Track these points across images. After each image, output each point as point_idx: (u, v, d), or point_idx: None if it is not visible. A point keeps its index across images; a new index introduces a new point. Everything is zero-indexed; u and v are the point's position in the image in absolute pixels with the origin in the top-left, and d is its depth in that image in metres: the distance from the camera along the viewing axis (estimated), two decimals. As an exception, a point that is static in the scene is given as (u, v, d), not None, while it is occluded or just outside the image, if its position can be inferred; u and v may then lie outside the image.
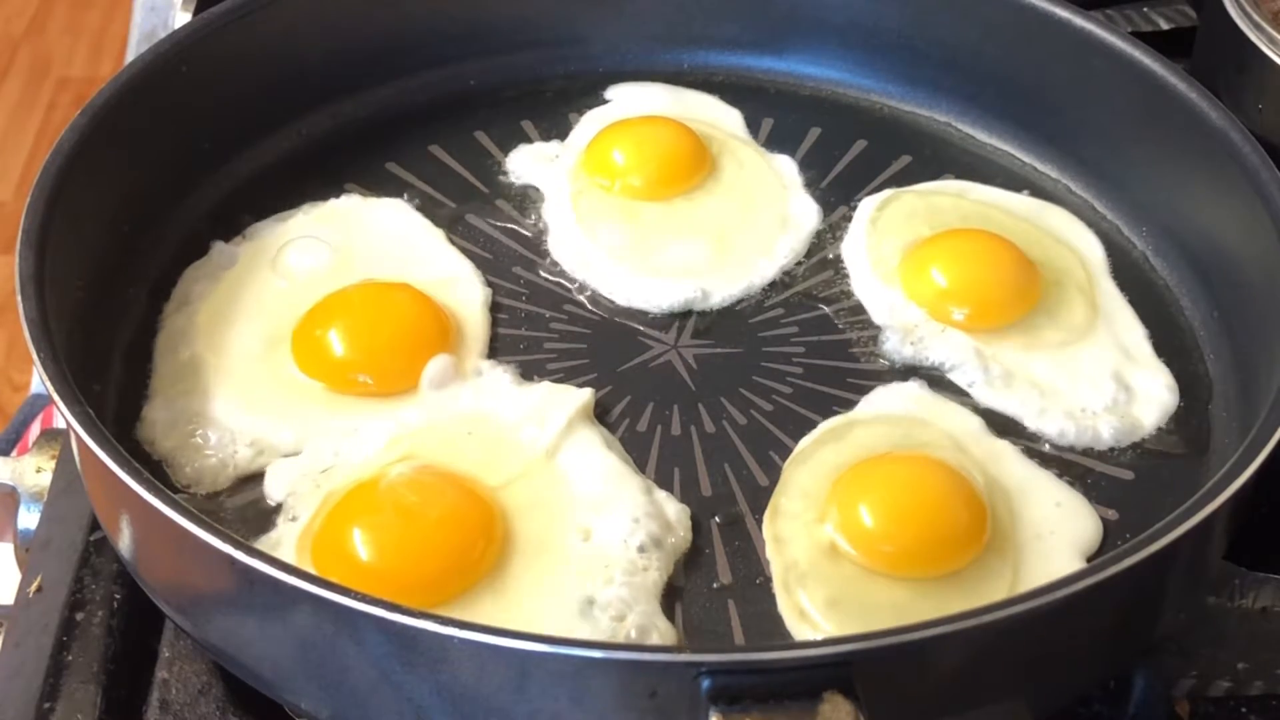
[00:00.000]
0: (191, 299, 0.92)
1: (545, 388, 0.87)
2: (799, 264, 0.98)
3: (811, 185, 1.04)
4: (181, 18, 1.12)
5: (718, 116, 1.09)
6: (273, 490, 0.82)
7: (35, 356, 0.74)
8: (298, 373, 0.88)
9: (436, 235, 0.98)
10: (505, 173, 1.04)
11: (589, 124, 1.07)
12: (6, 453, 0.97)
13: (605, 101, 1.10)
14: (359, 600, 0.64)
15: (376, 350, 0.88)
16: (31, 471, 0.89)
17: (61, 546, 0.84)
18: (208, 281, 0.93)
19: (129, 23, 1.25)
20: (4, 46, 2.92)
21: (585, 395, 0.86)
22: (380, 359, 0.88)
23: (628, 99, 1.10)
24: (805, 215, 1.02)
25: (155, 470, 0.83)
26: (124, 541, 0.76)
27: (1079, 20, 1.01)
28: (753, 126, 1.09)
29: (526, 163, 1.04)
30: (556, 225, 1.00)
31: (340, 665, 0.68)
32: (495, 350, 0.91)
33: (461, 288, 0.94)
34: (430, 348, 0.88)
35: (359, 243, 0.97)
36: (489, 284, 0.95)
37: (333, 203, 1.00)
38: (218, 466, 0.83)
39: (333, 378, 0.87)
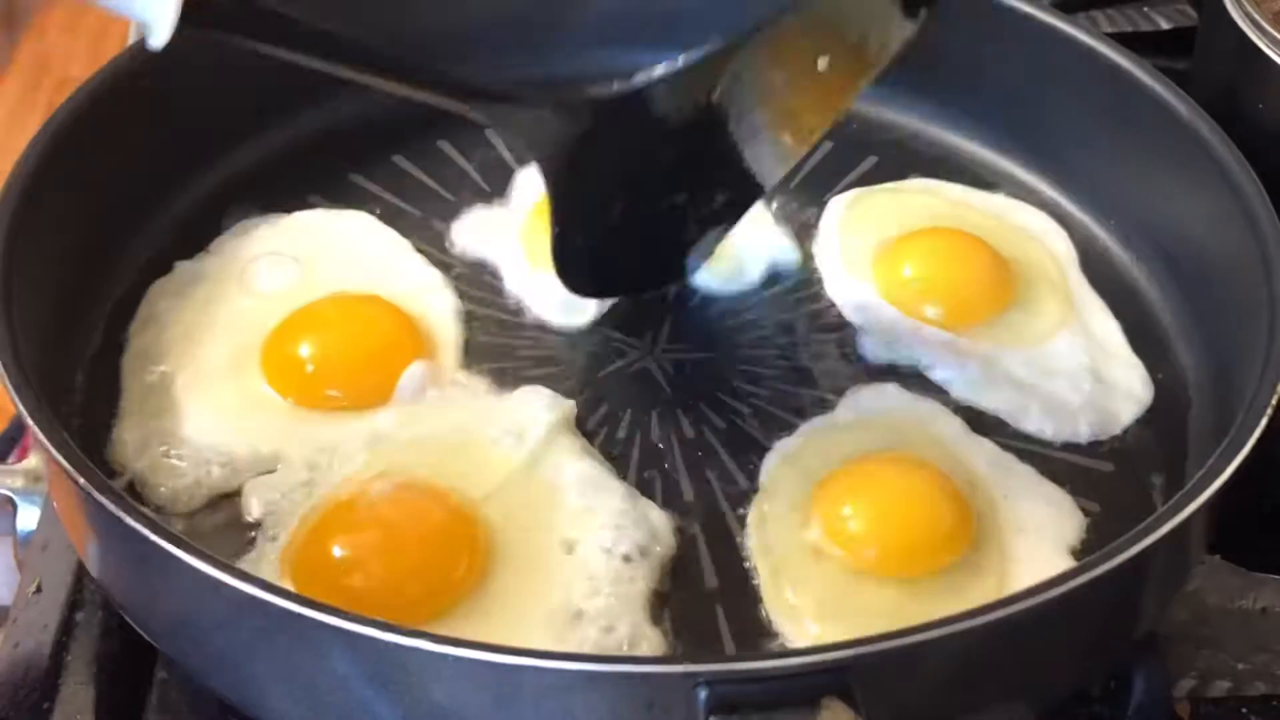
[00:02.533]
0: (157, 316, 0.91)
1: (523, 398, 0.86)
2: (771, 267, 0.98)
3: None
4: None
5: None
6: (251, 508, 0.80)
7: (8, 383, 0.73)
8: (269, 389, 0.87)
9: (403, 245, 0.97)
10: (475, 182, 1.03)
11: None
12: (7, 452, 0.97)
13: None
14: (347, 619, 0.63)
15: (346, 364, 0.87)
16: (31, 471, 0.89)
17: (61, 547, 0.84)
18: (173, 298, 0.92)
19: (129, 23, 1.23)
20: (4, 46, 2.90)
21: (565, 405, 0.85)
22: (351, 373, 0.87)
23: None
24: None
25: (126, 492, 0.81)
26: (100, 567, 0.75)
27: (1043, 15, 1.01)
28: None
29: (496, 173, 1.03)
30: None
31: (328, 685, 0.67)
32: (469, 360, 0.90)
33: (431, 297, 0.93)
34: (401, 359, 0.87)
35: (325, 256, 0.95)
36: (460, 293, 0.94)
37: (297, 215, 0.98)
38: (192, 486, 0.82)
39: (304, 394, 0.86)
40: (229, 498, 0.82)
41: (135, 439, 0.84)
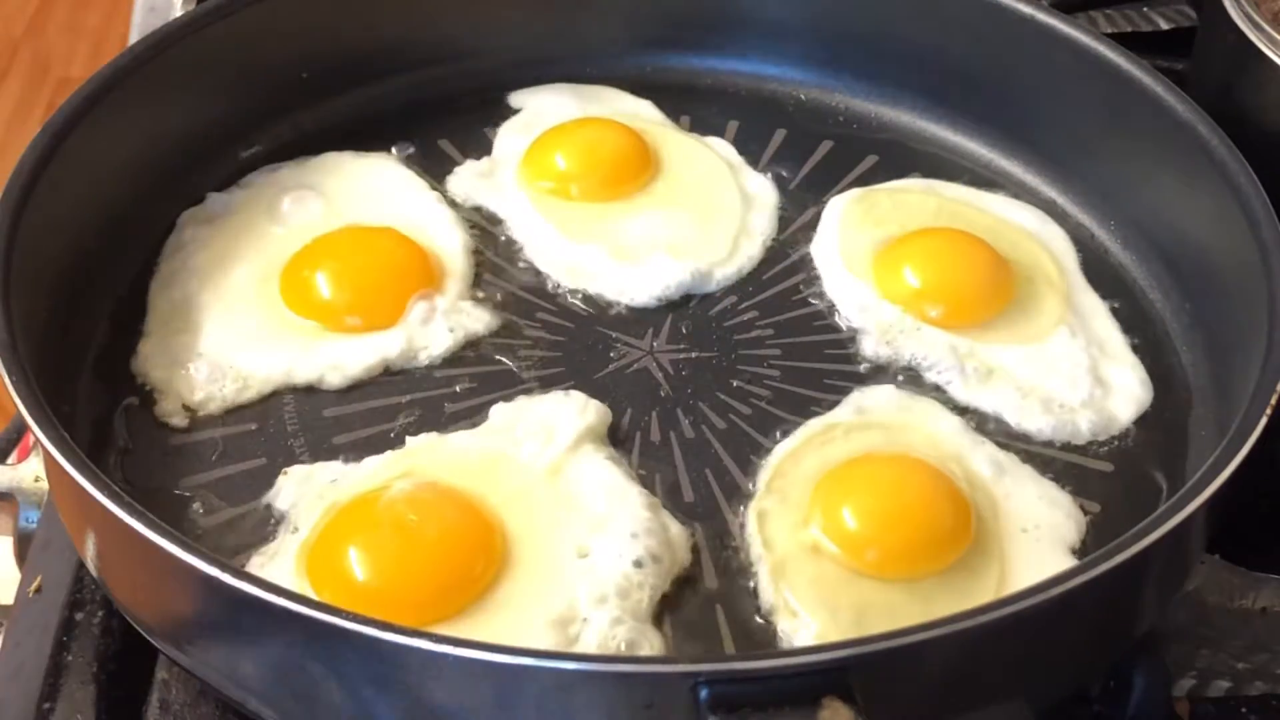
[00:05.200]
0: (186, 243, 0.95)
1: (556, 401, 0.86)
2: (771, 266, 0.98)
3: (777, 180, 1.04)
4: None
5: (637, 110, 1.09)
6: (278, 501, 0.81)
7: (8, 383, 0.73)
8: (287, 310, 0.91)
9: (420, 185, 1.01)
10: (451, 198, 1.02)
11: (514, 135, 1.07)
12: (7, 451, 0.98)
13: (515, 110, 1.09)
14: (347, 619, 0.63)
15: (358, 288, 0.92)
16: (31, 471, 0.90)
17: (61, 546, 0.84)
18: (202, 226, 0.97)
19: (129, 23, 1.24)
20: (4, 46, 2.92)
21: (597, 411, 0.85)
22: (362, 296, 0.91)
23: (540, 105, 1.09)
24: (763, 189, 1.03)
25: (145, 399, 0.86)
26: (101, 566, 0.75)
27: (1042, 16, 1.01)
28: (720, 130, 1.08)
29: (467, 185, 1.03)
30: (529, 235, 0.99)
31: (328, 685, 0.67)
32: (475, 292, 0.94)
33: (442, 233, 0.97)
34: (410, 286, 0.92)
35: (348, 192, 1.00)
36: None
37: (324, 155, 1.02)
38: (205, 399, 0.87)
39: (317, 314, 0.91)
40: (257, 484, 0.82)
41: (157, 352, 0.88)
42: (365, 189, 1.00)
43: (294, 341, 0.90)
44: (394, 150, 1.04)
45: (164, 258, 0.94)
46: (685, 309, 0.95)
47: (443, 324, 0.91)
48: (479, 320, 0.92)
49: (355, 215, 0.97)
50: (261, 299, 0.92)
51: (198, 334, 0.89)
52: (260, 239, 0.95)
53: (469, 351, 0.91)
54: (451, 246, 0.96)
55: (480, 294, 0.94)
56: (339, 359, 0.89)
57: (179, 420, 0.86)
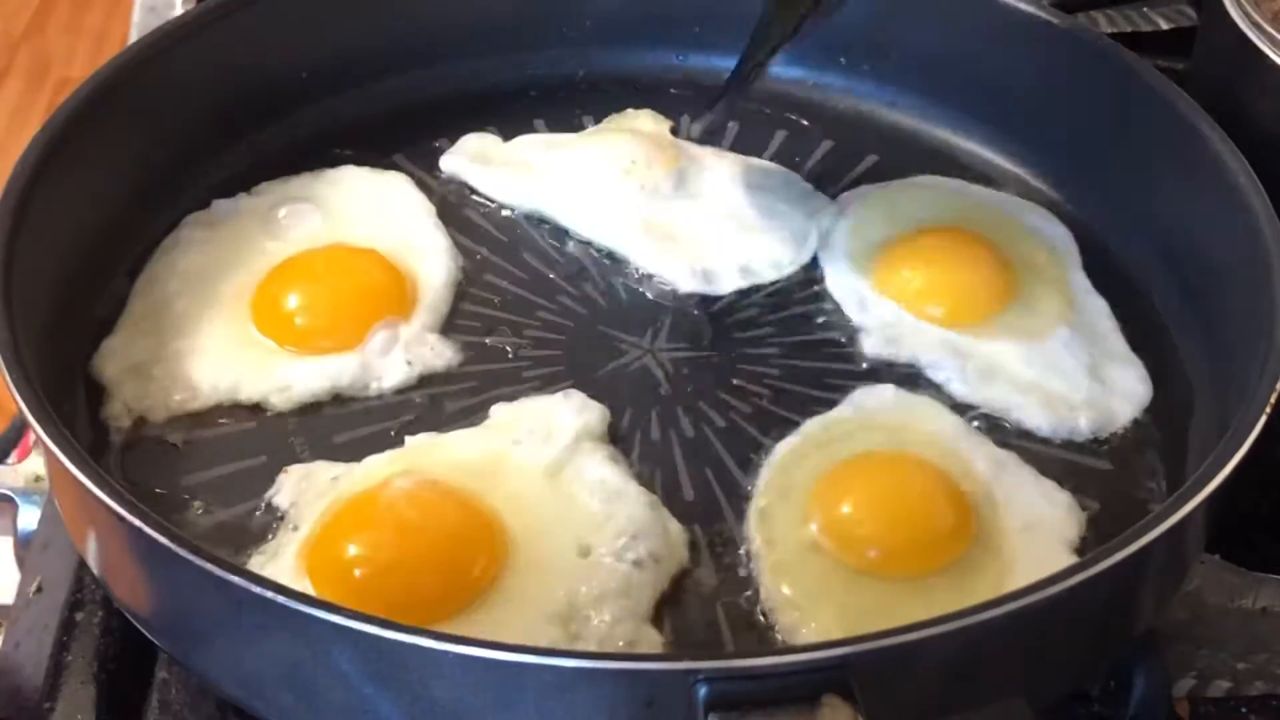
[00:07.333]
0: (180, 243, 0.95)
1: (556, 401, 0.86)
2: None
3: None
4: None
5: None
6: (279, 499, 0.81)
7: (9, 381, 0.73)
8: (251, 326, 0.90)
9: (427, 209, 0.99)
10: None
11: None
12: (8, 450, 0.98)
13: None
14: (348, 617, 0.63)
15: (316, 309, 0.90)
16: (31, 471, 0.90)
17: (61, 546, 0.84)
18: (199, 229, 0.96)
19: (129, 23, 1.24)
20: (4, 46, 2.92)
21: (597, 412, 0.85)
22: (319, 317, 0.90)
23: None
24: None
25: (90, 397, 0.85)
26: (102, 564, 0.75)
27: (1043, 15, 1.01)
28: (719, 129, 1.08)
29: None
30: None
31: (329, 683, 0.67)
32: (449, 328, 0.92)
33: (430, 261, 0.95)
34: (374, 312, 0.90)
35: (349, 209, 0.98)
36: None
37: (342, 169, 1.02)
38: (156, 407, 0.85)
39: (276, 331, 0.89)
40: (253, 486, 0.82)
41: (120, 349, 0.87)
42: (368, 207, 0.98)
43: (250, 357, 0.88)
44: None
45: (154, 257, 0.94)
46: (685, 308, 0.95)
47: (401, 355, 0.89)
48: (440, 356, 0.89)
49: (348, 233, 0.95)
50: (232, 310, 0.90)
51: (162, 338, 0.88)
52: (251, 249, 0.94)
53: (468, 351, 0.91)
54: (433, 277, 0.94)
55: (476, 295, 0.94)
56: (288, 380, 0.87)
57: (122, 422, 0.84)
